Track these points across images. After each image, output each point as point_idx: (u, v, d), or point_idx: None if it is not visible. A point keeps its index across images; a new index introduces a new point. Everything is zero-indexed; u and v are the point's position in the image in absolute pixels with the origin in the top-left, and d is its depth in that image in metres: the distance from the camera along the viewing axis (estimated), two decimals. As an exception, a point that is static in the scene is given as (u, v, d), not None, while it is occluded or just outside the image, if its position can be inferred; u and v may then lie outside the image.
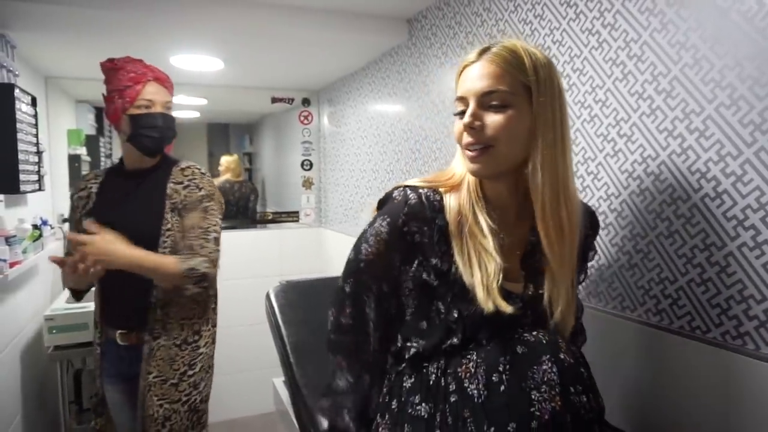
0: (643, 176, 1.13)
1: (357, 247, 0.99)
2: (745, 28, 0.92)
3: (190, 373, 1.54)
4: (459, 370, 0.87)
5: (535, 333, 0.87)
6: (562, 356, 0.83)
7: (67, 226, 2.46)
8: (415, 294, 0.96)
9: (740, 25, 0.93)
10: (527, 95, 0.87)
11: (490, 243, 0.89)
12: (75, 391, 2.42)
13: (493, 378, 0.83)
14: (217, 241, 1.53)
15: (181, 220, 1.52)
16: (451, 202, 0.95)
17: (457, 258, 0.91)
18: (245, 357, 3.13)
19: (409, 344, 0.96)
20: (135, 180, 1.57)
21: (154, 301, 1.49)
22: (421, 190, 0.96)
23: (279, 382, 1.95)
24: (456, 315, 0.91)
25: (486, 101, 0.87)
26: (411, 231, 0.94)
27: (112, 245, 1.36)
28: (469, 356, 0.88)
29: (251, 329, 3.05)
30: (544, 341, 0.85)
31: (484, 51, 0.89)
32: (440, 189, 0.97)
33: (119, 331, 1.54)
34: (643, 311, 1.14)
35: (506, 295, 0.89)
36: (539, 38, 1.42)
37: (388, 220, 0.96)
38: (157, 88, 1.52)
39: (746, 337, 0.94)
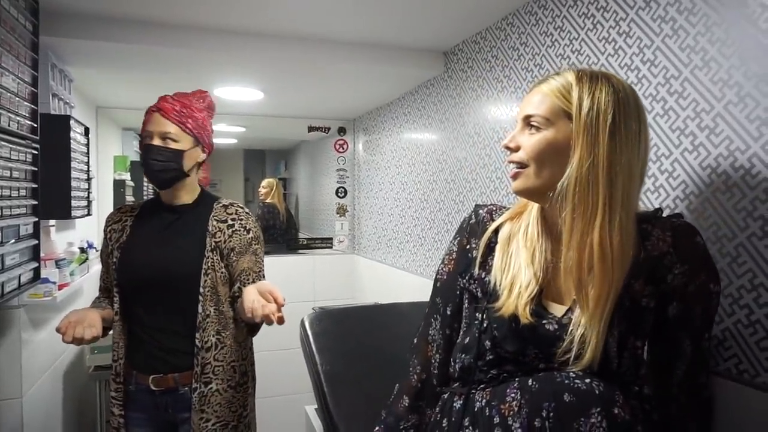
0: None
1: (438, 269, 1.09)
2: (791, 67, 0.91)
3: (244, 414, 1.52)
4: (502, 407, 0.86)
5: (588, 381, 0.82)
6: (616, 411, 0.79)
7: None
8: (467, 311, 1.01)
9: (786, 64, 0.92)
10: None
11: (524, 255, 0.93)
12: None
13: (536, 423, 0.81)
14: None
15: (222, 260, 1.48)
16: (506, 225, 1.00)
17: (496, 269, 0.96)
18: (277, 382, 3.14)
19: (457, 360, 0.99)
20: (175, 215, 1.53)
21: (200, 345, 1.43)
22: (485, 208, 1.05)
23: (311, 410, 1.95)
24: (484, 319, 0.94)
25: None
26: (471, 247, 1.03)
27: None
28: (513, 394, 0.86)
29: (282, 354, 3.07)
30: (597, 392, 0.81)
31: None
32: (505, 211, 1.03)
33: (152, 376, 1.45)
34: (687, 351, 1.10)
35: (540, 312, 0.89)
36: (577, 73, 1.43)
37: (458, 239, 1.07)
38: (156, 119, 1.45)
39: (799, 383, 0.91)
